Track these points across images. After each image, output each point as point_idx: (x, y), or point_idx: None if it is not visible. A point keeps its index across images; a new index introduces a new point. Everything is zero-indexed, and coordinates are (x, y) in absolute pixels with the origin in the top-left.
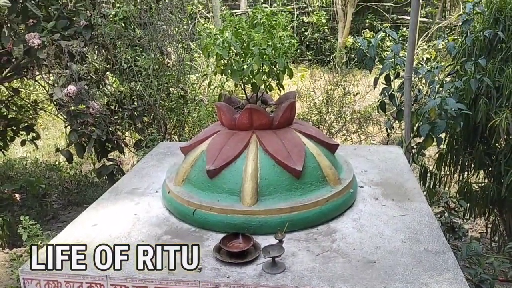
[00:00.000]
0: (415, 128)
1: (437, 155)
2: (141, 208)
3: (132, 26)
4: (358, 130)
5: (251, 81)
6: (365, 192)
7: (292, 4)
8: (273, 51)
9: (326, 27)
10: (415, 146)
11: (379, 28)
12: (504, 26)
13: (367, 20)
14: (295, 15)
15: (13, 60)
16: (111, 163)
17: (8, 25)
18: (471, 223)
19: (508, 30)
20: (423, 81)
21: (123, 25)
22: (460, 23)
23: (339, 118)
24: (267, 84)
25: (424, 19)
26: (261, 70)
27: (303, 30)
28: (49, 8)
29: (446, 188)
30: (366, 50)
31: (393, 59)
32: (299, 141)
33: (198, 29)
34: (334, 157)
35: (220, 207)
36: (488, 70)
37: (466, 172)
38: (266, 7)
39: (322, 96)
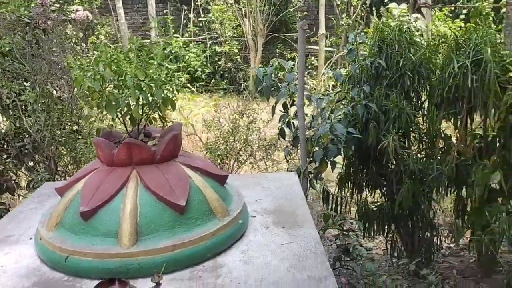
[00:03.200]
0: (311, 153)
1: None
2: (10, 258)
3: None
4: (265, 157)
5: (128, 115)
6: (257, 222)
7: (204, 34)
8: (150, 83)
9: (238, 57)
10: (313, 171)
11: (289, 57)
12: (387, 54)
13: (277, 50)
14: (208, 45)
15: None
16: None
17: None
18: (375, 242)
19: (391, 58)
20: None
21: (5, 58)
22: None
23: (246, 147)
24: (147, 117)
25: (330, 49)
26: (139, 103)
27: (216, 59)
28: None
29: (350, 209)
30: (263, 80)
31: (288, 87)
32: (184, 175)
33: (68, 61)
34: (224, 189)
35: (95, 251)
36: (375, 95)
37: (364, 193)
38: (178, 37)
39: (228, 125)
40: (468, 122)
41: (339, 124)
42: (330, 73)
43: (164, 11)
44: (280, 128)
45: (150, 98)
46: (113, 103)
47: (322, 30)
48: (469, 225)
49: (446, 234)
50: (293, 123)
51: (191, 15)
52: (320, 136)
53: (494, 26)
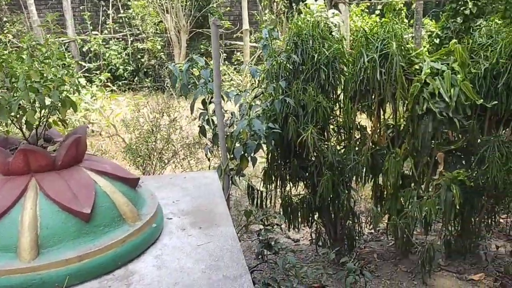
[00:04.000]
0: (231, 150)
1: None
2: None
3: None
4: (188, 156)
5: (23, 119)
6: (173, 224)
7: (124, 31)
8: (47, 84)
9: (162, 53)
10: (235, 168)
11: None
12: (303, 50)
13: (201, 46)
14: (129, 42)
15: None
16: None
17: None
18: (302, 233)
19: (306, 53)
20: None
21: None
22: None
23: (169, 146)
24: (45, 120)
25: (254, 44)
26: (35, 105)
27: (139, 56)
28: None
29: (275, 203)
30: (179, 77)
31: (206, 84)
32: (89, 181)
33: None
34: (135, 192)
35: None
36: (292, 90)
37: (288, 186)
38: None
39: (148, 125)
40: (381, 113)
41: (257, 120)
42: (246, 69)
43: (81, 7)
44: (200, 125)
45: (47, 100)
46: (6, 107)
47: (246, 25)
48: (386, 211)
49: (366, 221)
50: (212, 120)
51: (110, 11)
52: (240, 132)
53: (406, 21)
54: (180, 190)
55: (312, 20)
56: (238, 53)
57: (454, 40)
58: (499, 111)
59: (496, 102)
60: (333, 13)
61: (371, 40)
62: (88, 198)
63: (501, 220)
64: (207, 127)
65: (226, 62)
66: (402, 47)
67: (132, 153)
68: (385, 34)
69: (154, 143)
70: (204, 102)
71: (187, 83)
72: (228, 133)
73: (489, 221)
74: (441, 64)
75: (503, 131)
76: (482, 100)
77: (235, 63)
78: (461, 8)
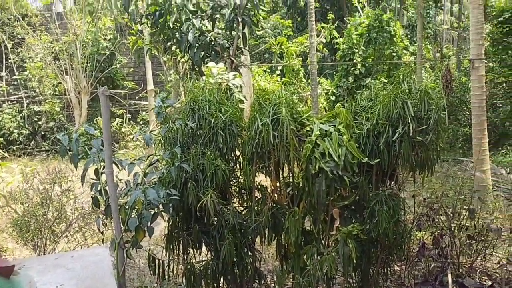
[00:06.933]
0: (125, 222)
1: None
2: None
3: None
4: (83, 228)
5: None
6: None
7: (20, 93)
8: None
9: (61, 115)
10: (131, 240)
11: (117, 114)
12: (200, 115)
13: None
14: (25, 104)
15: None
16: None
17: None
18: None
19: (203, 118)
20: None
21: None
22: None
23: (61, 218)
24: None
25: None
26: None
27: (36, 119)
28: None
29: (178, 271)
30: (68, 146)
31: (97, 154)
32: None
33: None
34: (10, 282)
35: None
36: (191, 155)
37: (191, 252)
38: None
39: (37, 197)
40: (279, 172)
41: (151, 189)
42: (139, 137)
43: None
44: (93, 196)
45: None
46: None
47: (150, 86)
48: (290, 269)
49: (272, 280)
50: (105, 190)
51: (3, 73)
52: (134, 202)
53: (305, 80)
54: (66, 272)
55: (208, 87)
56: (144, 113)
57: (338, 105)
58: (383, 167)
59: (379, 159)
60: (234, 75)
61: (264, 105)
62: None
63: (396, 268)
64: (100, 197)
65: (131, 122)
66: (294, 111)
67: (20, 228)
68: (276, 100)
69: (44, 216)
70: (96, 172)
71: (77, 153)
72: (122, 204)
73: (385, 270)
74: (329, 125)
75: (389, 185)
76: (366, 158)
77: (141, 122)
78: (352, 69)
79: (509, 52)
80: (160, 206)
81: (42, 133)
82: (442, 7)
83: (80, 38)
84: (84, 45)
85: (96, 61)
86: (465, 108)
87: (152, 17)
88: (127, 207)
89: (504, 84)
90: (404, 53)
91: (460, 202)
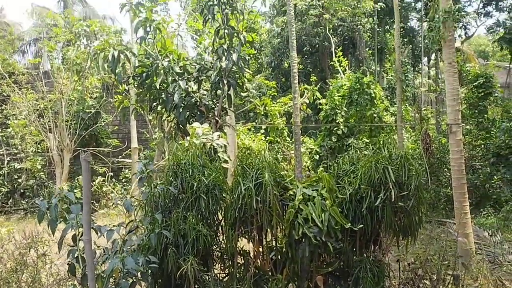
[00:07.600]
0: None
1: None
2: None
3: None
4: None
5: None
6: None
7: (1, 150)
8: None
9: (42, 173)
10: None
11: (100, 172)
12: (182, 179)
13: None
14: (6, 162)
15: None
16: None
17: None
18: None
19: (186, 181)
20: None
21: None
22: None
23: (35, 286)
24: None
25: (144, 161)
26: None
27: (16, 177)
28: None
29: None
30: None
31: (76, 219)
32: None
33: None
34: None
35: None
36: (172, 219)
37: None
38: None
39: (10, 263)
40: (262, 237)
41: (130, 258)
42: (119, 203)
43: None
44: (69, 263)
45: None
46: None
47: (134, 144)
48: None
49: None
50: (83, 257)
51: None
52: (112, 271)
53: (289, 139)
54: None
55: (192, 150)
56: (127, 170)
57: (321, 169)
58: (367, 232)
59: (362, 225)
60: (219, 135)
61: (247, 169)
62: None
63: None
64: (77, 265)
65: (114, 180)
66: (277, 174)
67: None
68: (259, 164)
69: (18, 282)
70: (74, 238)
71: (55, 219)
72: (99, 272)
73: None
74: (312, 190)
75: (373, 250)
76: (349, 224)
77: (123, 180)
78: (335, 129)
79: (485, 116)
80: (139, 274)
81: (22, 190)
82: (420, 71)
83: (66, 96)
84: (69, 103)
85: (81, 119)
86: (446, 169)
87: (139, 78)
88: (104, 276)
89: (482, 146)
90: (385, 114)
91: (444, 268)
